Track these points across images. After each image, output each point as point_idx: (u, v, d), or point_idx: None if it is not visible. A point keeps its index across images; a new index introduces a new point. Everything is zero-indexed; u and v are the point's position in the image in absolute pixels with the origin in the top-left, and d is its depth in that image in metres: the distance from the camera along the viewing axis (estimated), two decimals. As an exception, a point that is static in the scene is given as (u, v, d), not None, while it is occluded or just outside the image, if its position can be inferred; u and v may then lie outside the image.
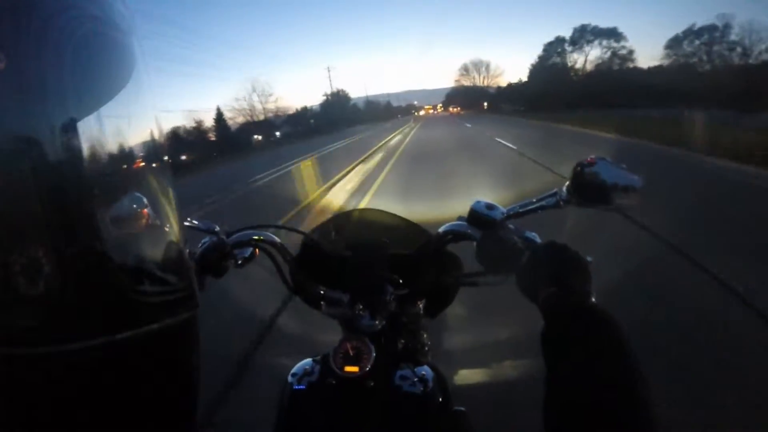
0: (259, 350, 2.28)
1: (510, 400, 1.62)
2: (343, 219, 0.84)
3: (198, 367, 0.37)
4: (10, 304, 0.25)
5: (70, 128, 0.27)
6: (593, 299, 0.53)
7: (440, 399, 0.61)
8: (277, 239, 0.80)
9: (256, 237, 0.79)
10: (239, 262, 0.78)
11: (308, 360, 0.65)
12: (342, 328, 0.76)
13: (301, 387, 0.61)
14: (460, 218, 0.74)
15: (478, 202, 0.72)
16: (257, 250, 0.80)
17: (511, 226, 0.70)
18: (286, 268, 0.79)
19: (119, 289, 0.29)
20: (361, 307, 0.69)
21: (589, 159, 0.62)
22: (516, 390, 1.68)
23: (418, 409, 0.58)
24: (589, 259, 0.58)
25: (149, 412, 0.32)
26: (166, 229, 0.34)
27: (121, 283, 0.29)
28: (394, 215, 0.79)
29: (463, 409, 0.68)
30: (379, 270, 0.70)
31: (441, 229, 0.75)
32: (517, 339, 1.93)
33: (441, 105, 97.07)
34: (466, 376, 1.89)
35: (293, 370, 0.64)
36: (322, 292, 0.75)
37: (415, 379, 0.60)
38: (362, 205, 5.74)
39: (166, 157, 0.36)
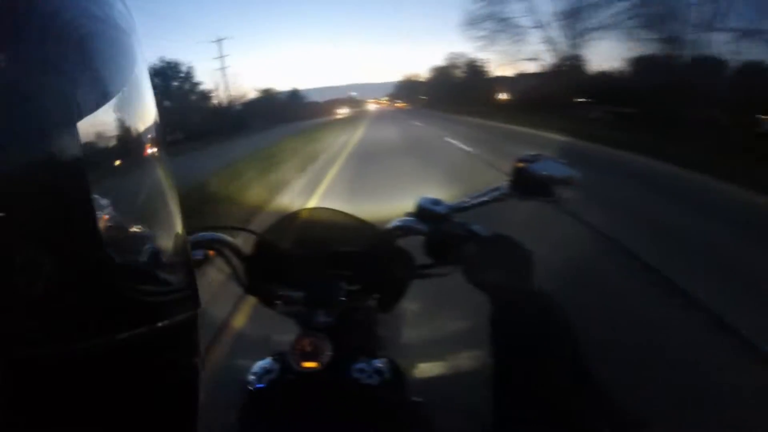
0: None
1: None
2: (295, 218, 0.84)
3: (198, 368, 0.36)
4: (9, 305, 0.25)
5: (70, 128, 0.26)
6: (536, 286, 0.57)
7: (397, 390, 0.63)
8: (230, 239, 0.79)
9: (209, 239, 0.77)
10: None
11: (267, 359, 0.65)
12: (298, 325, 0.76)
13: (262, 385, 0.61)
14: (407, 214, 0.76)
15: (424, 198, 0.75)
16: (211, 251, 0.78)
17: (457, 220, 0.73)
18: (241, 269, 0.77)
19: (119, 289, 0.28)
20: (314, 303, 0.70)
21: (529, 155, 0.66)
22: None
23: (375, 400, 0.60)
24: (530, 249, 0.62)
25: (149, 413, 0.31)
26: (167, 229, 0.34)
27: (120, 282, 0.29)
28: (345, 213, 0.80)
29: (420, 399, 0.71)
30: (331, 267, 0.71)
31: (389, 225, 0.77)
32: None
33: (387, 99, 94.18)
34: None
35: (253, 369, 0.64)
36: (277, 291, 0.75)
37: (372, 372, 0.62)
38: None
39: (166, 157, 0.36)
